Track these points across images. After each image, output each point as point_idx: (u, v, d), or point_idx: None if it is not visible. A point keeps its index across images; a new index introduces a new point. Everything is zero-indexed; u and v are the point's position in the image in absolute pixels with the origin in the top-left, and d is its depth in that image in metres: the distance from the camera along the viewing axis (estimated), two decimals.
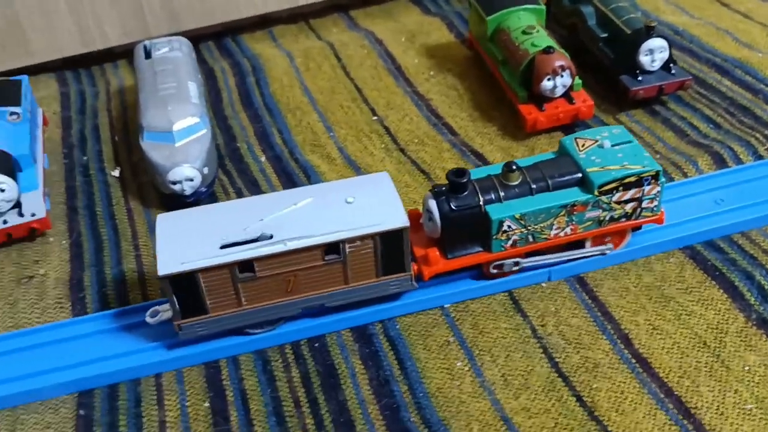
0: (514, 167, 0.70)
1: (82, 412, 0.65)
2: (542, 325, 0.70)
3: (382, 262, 0.68)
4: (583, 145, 0.73)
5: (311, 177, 0.90)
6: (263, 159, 0.94)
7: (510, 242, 0.71)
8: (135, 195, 0.90)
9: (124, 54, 1.20)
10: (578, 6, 1.03)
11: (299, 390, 0.67)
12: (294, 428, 0.63)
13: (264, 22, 1.24)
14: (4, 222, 0.82)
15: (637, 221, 0.74)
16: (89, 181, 0.92)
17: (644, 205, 0.72)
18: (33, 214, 0.82)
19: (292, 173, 0.91)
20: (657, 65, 0.94)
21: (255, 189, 0.89)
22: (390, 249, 0.68)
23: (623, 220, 0.73)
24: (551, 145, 0.92)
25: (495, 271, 0.73)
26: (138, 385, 0.67)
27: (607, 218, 0.72)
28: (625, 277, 0.74)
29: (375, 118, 1.00)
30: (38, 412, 0.66)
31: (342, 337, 0.71)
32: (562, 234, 0.72)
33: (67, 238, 0.84)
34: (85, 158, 0.96)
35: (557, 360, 0.67)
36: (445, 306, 0.73)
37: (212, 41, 1.21)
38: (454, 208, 0.69)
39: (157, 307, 0.70)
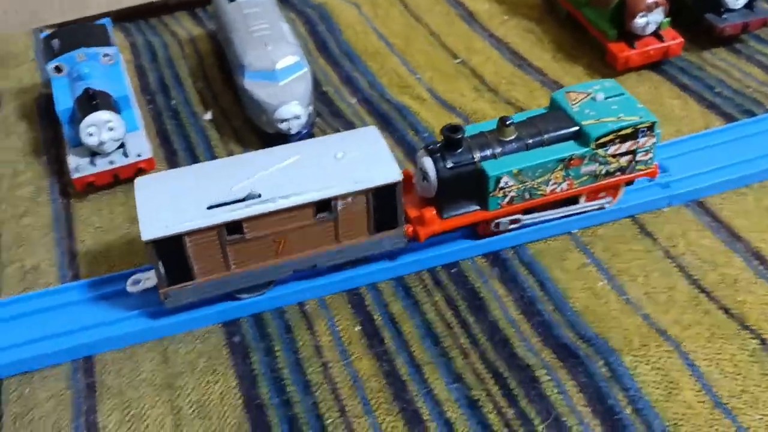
0: (509, 122, 0.69)
1: (236, 339, 0.65)
2: (673, 246, 0.72)
3: (374, 218, 0.65)
4: (575, 99, 0.72)
5: (407, 117, 0.90)
6: (353, 102, 0.94)
7: (507, 199, 0.69)
8: (231, 137, 0.89)
9: (179, 6, 1.18)
10: None
11: (446, 313, 0.67)
12: (450, 348, 0.64)
13: None
14: (111, 163, 0.80)
15: (632, 175, 0.72)
16: (181, 124, 0.91)
17: (638, 158, 0.71)
18: (139, 155, 0.81)
19: (386, 114, 0.91)
20: (741, 3, 0.95)
21: (352, 129, 0.89)
22: (383, 205, 0.65)
23: (618, 174, 0.71)
24: (640, 82, 0.93)
25: (494, 229, 0.71)
26: (284, 313, 0.67)
27: (603, 172, 0.71)
28: (744, 200, 0.76)
29: (457, 61, 1.00)
30: (186, 342, 0.65)
31: (476, 263, 0.71)
32: (558, 190, 0.70)
33: None
34: (173, 103, 0.94)
35: (696, 277, 0.68)
36: (573, 231, 0.74)
37: None
38: (449, 165, 0.67)
39: (138, 275, 0.67)
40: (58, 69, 0.85)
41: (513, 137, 0.69)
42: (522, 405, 0.59)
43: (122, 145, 0.81)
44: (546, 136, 0.69)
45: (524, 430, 0.58)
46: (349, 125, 0.90)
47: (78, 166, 0.80)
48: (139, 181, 0.64)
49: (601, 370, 0.61)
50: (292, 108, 0.82)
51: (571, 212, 0.73)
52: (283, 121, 0.82)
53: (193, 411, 0.60)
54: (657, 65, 0.94)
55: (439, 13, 1.10)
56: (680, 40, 0.93)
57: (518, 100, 0.92)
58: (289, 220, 0.63)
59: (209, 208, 0.60)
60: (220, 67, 1.01)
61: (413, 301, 0.68)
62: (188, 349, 0.64)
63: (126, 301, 0.67)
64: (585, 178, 0.71)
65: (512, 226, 0.71)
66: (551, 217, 0.72)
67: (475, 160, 0.67)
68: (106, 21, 0.94)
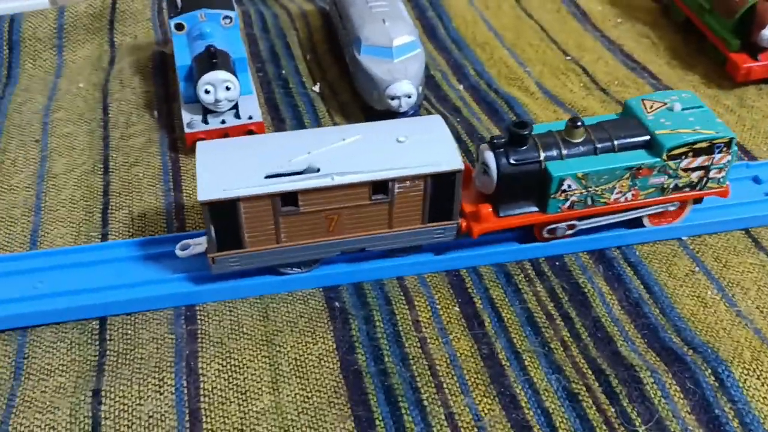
0: (579, 123, 0.65)
1: (336, 304, 0.65)
2: None
3: (430, 206, 0.64)
4: (651, 107, 0.69)
5: (514, 107, 0.89)
6: (460, 88, 0.94)
7: (567, 203, 0.66)
8: (337, 110, 0.89)
9: None
10: None
11: (548, 304, 0.66)
12: (551, 339, 0.63)
13: None
14: (222, 122, 0.81)
15: (701, 192, 0.68)
16: (290, 93, 0.92)
17: (711, 174, 0.67)
18: (250, 117, 0.82)
19: (493, 103, 0.90)
20: None
21: (457, 114, 0.88)
22: (440, 193, 0.63)
23: (687, 189, 0.68)
24: (760, 96, 0.90)
25: (548, 234, 0.69)
26: (383, 285, 0.67)
27: (671, 186, 0.67)
28: None
29: (568, 58, 0.99)
30: (287, 302, 0.66)
31: (581, 258, 0.70)
32: (622, 199, 0.67)
33: None
34: (282, 72, 0.95)
35: None
36: (683, 238, 0.72)
37: None
38: (512, 162, 0.64)
39: (188, 240, 0.66)
40: (179, 26, 0.86)
41: (581, 139, 0.66)
42: (623, 404, 0.58)
43: (235, 106, 0.82)
44: (616, 142, 0.66)
45: (624, 430, 0.56)
46: (455, 111, 0.89)
47: (191, 121, 0.81)
48: (201, 145, 0.64)
49: (708, 379, 0.59)
50: (405, 86, 0.82)
51: (623, 218, 0.70)
52: (394, 98, 0.82)
53: (291, 369, 0.60)
54: None
55: (551, 10, 1.09)
56: None
57: None
58: (344, 198, 0.62)
59: (267, 177, 0.60)
60: (329, 42, 1.02)
61: (514, 289, 0.67)
62: (288, 309, 0.65)
63: None
64: (652, 190, 0.67)
65: (569, 231, 0.69)
66: (611, 222, 0.69)
67: (540, 158, 0.65)
68: None
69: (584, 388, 0.59)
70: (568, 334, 0.63)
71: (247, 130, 0.82)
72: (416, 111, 0.86)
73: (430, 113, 0.89)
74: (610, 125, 0.67)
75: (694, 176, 0.67)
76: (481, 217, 0.66)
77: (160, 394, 0.58)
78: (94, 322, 0.64)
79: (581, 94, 0.92)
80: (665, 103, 0.69)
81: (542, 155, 0.65)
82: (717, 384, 0.59)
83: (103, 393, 0.58)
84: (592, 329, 0.64)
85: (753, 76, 0.90)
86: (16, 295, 0.65)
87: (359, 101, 0.89)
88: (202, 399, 0.58)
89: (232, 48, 0.85)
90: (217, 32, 0.85)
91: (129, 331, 0.63)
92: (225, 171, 0.60)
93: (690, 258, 0.70)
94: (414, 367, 0.61)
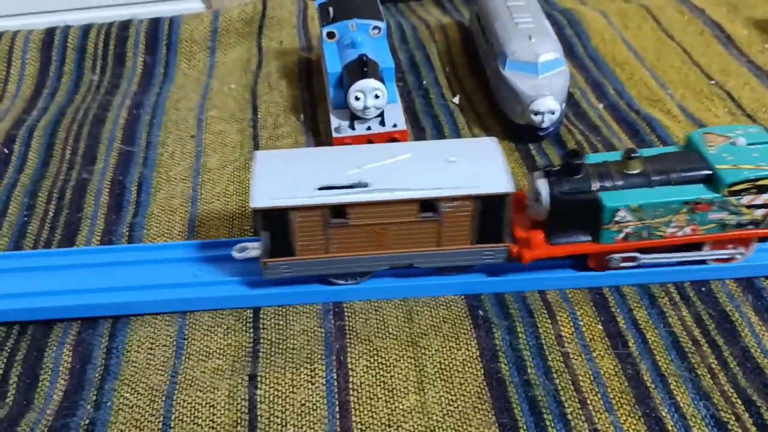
0: (635, 154, 0.64)
1: (479, 312, 0.67)
2: None
3: (478, 227, 0.64)
4: (713, 141, 0.66)
5: (656, 129, 0.88)
6: (600, 107, 0.93)
7: (621, 235, 0.65)
8: (475, 123, 0.91)
9: None
10: None
11: (694, 330, 0.65)
12: (698, 365, 0.62)
13: None
14: (368, 128, 0.84)
15: (766, 230, 0.65)
16: (430, 104, 0.94)
17: None
18: (395, 125, 0.85)
19: (634, 123, 0.90)
20: None
21: (597, 133, 0.88)
22: (489, 215, 0.63)
23: (750, 227, 0.65)
24: None
25: (604, 265, 0.67)
26: (525, 298, 0.68)
27: (733, 223, 0.65)
28: None
29: (712, 82, 0.97)
30: (431, 307, 0.67)
31: (728, 286, 0.69)
32: (680, 234, 0.65)
33: None
34: (424, 83, 0.98)
35: None
36: None
37: None
38: (565, 190, 0.64)
39: (245, 243, 0.68)
40: (331, 35, 0.90)
41: (637, 171, 0.65)
42: None
43: (381, 114, 0.85)
44: (674, 175, 0.65)
45: None
46: (594, 129, 0.89)
47: (338, 126, 0.84)
48: (259, 155, 0.67)
49: None
50: (549, 102, 0.83)
51: (695, 258, 0.68)
52: (537, 113, 0.83)
53: (436, 371, 0.62)
54: None
55: (693, 33, 1.07)
56: None
57: None
58: (392, 214, 0.63)
59: (319, 189, 0.63)
60: (467, 55, 1.04)
61: (659, 311, 0.67)
62: (432, 314, 0.67)
63: None
64: (712, 225, 0.65)
65: (625, 264, 0.67)
66: (673, 260, 0.68)
67: (593, 188, 0.64)
68: None
69: (734, 418, 0.58)
70: (716, 362, 0.62)
71: (391, 138, 0.84)
72: (557, 128, 0.87)
73: (570, 131, 0.89)
74: (669, 158, 0.67)
75: (759, 213, 0.65)
76: (532, 244, 0.66)
77: (312, 384, 0.61)
78: (248, 311, 0.68)
79: (726, 120, 0.90)
80: (729, 137, 0.67)
81: (595, 185, 0.64)
82: None
83: (258, 378, 0.61)
84: (741, 358, 0.62)
85: None
86: (177, 281, 0.70)
87: (498, 114, 0.90)
88: (351, 393, 0.60)
89: (381, 57, 0.88)
90: (367, 41, 0.88)
91: (281, 322, 0.67)
92: (280, 181, 0.64)
93: None
94: (557, 380, 0.61)
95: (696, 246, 0.68)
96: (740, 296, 0.68)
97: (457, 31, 1.10)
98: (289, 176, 0.64)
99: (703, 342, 0.64)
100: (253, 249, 0.67)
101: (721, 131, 0.69)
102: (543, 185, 0.65)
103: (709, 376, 0.61)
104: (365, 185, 0.63)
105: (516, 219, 0.67)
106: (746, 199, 0.64)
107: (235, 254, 0.68)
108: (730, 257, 0.69)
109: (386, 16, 1.15)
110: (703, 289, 0.69)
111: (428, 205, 0.63)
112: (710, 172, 0.65)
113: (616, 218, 0.64)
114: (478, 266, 0.69)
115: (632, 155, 0.65)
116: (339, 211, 0.63)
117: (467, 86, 0.98)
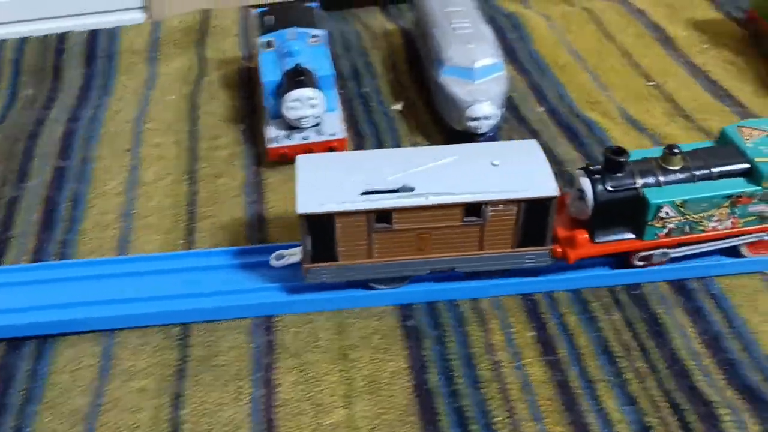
0: (677, 150, 0.65)
1: (410, 323, 0.66)
2: None
3: (522, 231, 0.64)
4: (750, 135, 0.68)
5: (595, 132, 0.88)
6: (540, 110, 0.93)
7: (665, 230, 0.66)
8: (417, 130, 0.91)
9: (369, 1, 1.22)
10: None
11: (624, 334, 0.65)
12: (626, 369, 0.62)
13: None
14: (305, 138, 0.84)
15: None
16: (370, 111, 0.94)
17: None
18: (333, 134, 0.84)
19: (573, 127, 0.90)
20: None
21: (536, 137, 0.88)
22: (533, 218, 0.63)
23: None
24: None
25: (641, 262, 0.68)
26: (456, 306, 0.68)
27: None
28: None
29: (651, 83, 0.97)
30: (362, 318, 0.67)
31: (659, 288, 0.69)
32: (721, 227, 0.66)
33: None
34: (364, 90, 0.97)
35: None
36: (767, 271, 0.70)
37: None
38: (609, 188, 0.64)
39: (282, 251, 0.69)
40: (268, 44, 0.89)
41: (679, 167, 0.66)
42: None
43: (318, 123, 0.84)
44: (715, 170, 0.66)
45: None
46: (534, 133, 0.89)
47: (275, 136, 0.84)
48: (300, 159, 0.67)
49: None
50: (485, 108, 0.83)
51: (722, 245, 0.69)
52: (473, 119, 0.83)
53: (365, 385, 0.61)
54: None
55: (634, 35, 1.08)
56: None
57: (715, 129, 0.88)
58: (436, 218, 0.63)
59: (363, 193, 0.62)
60: (410, 62, 1.03)
61: (589, 316, 0.67)
62: (364, 325, 0.66)
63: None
64: (751, 218, 0.67)
65: (664, 259, 0.68)
66: (702, 251, 0.69)
67: (637, 185, 0.65)
68: (315, 4, 0.98)
69: (659, 422, 0.58)
70: (644, 366, 0.62)
71: (329, 147, 0.84)
72: (495, 133, 0.87)
73: (509, 136, 0.89)
74: (708, 153, 0.68)
75: None
76: (577, 243, 0.66)
77: (239, 402, 0.60)
78: (177, 328, 0.67)
79: (663, 121, 0.90)
80: (764, 131, 0.69)
81: (639, 182, 0.65)
82: None
83: (184, 397, 0.61)
84: (669, 362, 0.63)
85: None
86: (104, 297, 0.68)
87: (439, 121, 0.90)
88: (277, 409, 0.60)
89: (319, 65, 0.87)
90: (305, 50, 0.88)
91: (210, 339, 0.66)
92: (323, 185, 0.63)
93: None
94: (486, 390, 0.61)
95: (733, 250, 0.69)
96: (671, 298, 0.68)
97: (400, 38, 1.09)
98: (332, 180, 0.64)
99: (632, 346, 0.64)
100: (292, 255, 0.68)
101: (755, 125, 0.70)
102: (587, 183, 0.65)
103: (637, 380, 0.61)
104: (411, 189, 0.63)
105: (557, 219, 0.67)
106: None
107: (273, 262, 0.69)
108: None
109: (330, 24, 1.14)
110: (635, 292, 0.69)
111: (473, 209, 0.63)
112: (749, 165, 0.66)
113: (660, 214, 0.65)
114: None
115: (674, 151, 0.66)
116: (384, 215, 0.63)
117: (410, 93, 0.97)
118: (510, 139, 0.88)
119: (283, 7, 0.95)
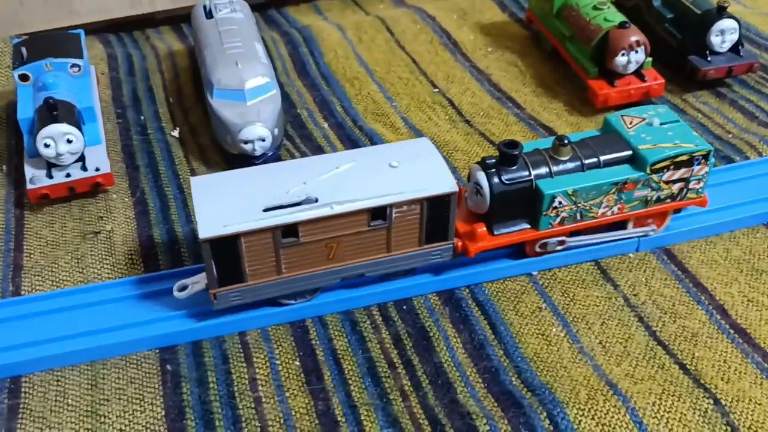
0: (566, 141, 0.68)
1: (168, 367, 0.63)
2: (635, 295, 0.69)
3: (426, 229, 0.65)
4: (631, 123, 0.71)
5: (377, 143, 0.88)
6: (326, 126, 0.92)
7: (558, 219, 0.68)
8: (196, 155, 0.87)
9: (164, 21, 1.18)
10: None
11: (392, 351, 0.64)
12: (390, 388, 0.61)
13: None
14: (68, 176, 0.78)
15: (681, 202, 0.71)
16: (147, 140, 0.89)
17: (690, 186, 0.70)
18: (97, 169, 0.79)
19: (357, 140, 0.89)
20: (726, 46, 0.93)
21: (320, 154, 0.87)
22: (436, 215, 0.65)
23: (668, 201, 0.71)
24: None
25: (539, 249, 0.70)
26: (223, 342, 0.65)
27: (654, 198, 0.70)
28: (713, 249, 0.73)
29: (436, 90, 0.98)
30: (119, 367, 0.63)
31: (429, 300, 0.69)
32: (609, 213, 0.70)
33: (130, 195, 0.81)
34: (141, 118, 0.93)
35: (654, 329, 0.66)
36: (533, 273, 0.71)
37: (257, 12, 1.19)
38: (504, 181, 0.66)
39: (184, 281, 0.66)
40: (24, 77, 0.83)
41: (569, 157, 0.68)
42: None
43: (81, 159, 0.79)
44: (602, 158, 0.68)
45: None
46: (318, 149, 0.88)
47: (33, 177, 0.78)
48: (195, 181, 0.64)
49: (543, 423, 0.58)
50: (257, 129, 0.80)
51: (614, 238, 0.72)
52: (247, 142, 0.80)
53: None
54: (639, 105, 0.92)
55: (423, 42, 1.09)
56: (662, 80, 0.91)
57: (493, 133, 0.90)
58: (343, 226, 0.63)
59: (266, 210, 0.61)
60: (194, 84, 0.99)
61: (359, 337, 0.66)
62: (119, 375, 0.62)
63: (56, 320, 0.65)
64: (636, 203, 0.70)
65: (559, 247, 0.70)
66: (593, 241, 0.71)
67: (531, 177, 0.66)
68: (79, 31, 0.92)
69: None
70: (409, 383, 0.62)
71: (94, 183, 0.79)
72: (275, 153, 0.85)
73: (292, 154, 0.87)
74: (594, 142, 0.70)
75: (675, 188, 0.70)
76: (476, 237, 0.67)
77: None
78: None
79: (445, 128, 0.91)
80: (644, 119, 0.72)
81: (532, 174, 0.66)
82: (552, 428, 0.58)
83: None
84: (434, 376, 0.62)
85: (610, 102, 0.90)
86: None
87: (219, 144, 0.87)
88: None
89: (80, 97, 0.82)
90: (63, 81, 0.82)
91: None
92: (222, 206, 0.61)
93: (538, 294, 0.69)
94: (245, 429, 0.58)
95: (621, 225, 0.71)
96: (439, 309, 0.68)
97: (188, 58, 1.05)
98: (231, 200, 0.61)
99: (398, 363, 0.63)
100: (196, 283, 0.64)
101: (636, 113, 0.72)
102: (483, 178, 0.65)
103: (400, 399, 0.61)
104: (314, 200, 0.61)
105: (456, 214, 0.67)
106: (666, 176, 0.69)
107: (177, 294, 0.64)
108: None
109: (116, 47, 1.09)
110: (405, 306, 0.68)
111: (378, 213, 0.63)
112: (632, 152, 0.69)
113: (554, 204, 0.66)
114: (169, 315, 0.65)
115: (564, 142, 0.67)
116: (290, 230, 0.60)
117: (192, 117, 0.94)
118: (293, 157, 0.86)
119: (41, 37, 0.89)
